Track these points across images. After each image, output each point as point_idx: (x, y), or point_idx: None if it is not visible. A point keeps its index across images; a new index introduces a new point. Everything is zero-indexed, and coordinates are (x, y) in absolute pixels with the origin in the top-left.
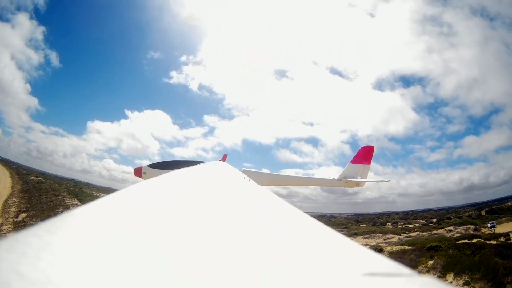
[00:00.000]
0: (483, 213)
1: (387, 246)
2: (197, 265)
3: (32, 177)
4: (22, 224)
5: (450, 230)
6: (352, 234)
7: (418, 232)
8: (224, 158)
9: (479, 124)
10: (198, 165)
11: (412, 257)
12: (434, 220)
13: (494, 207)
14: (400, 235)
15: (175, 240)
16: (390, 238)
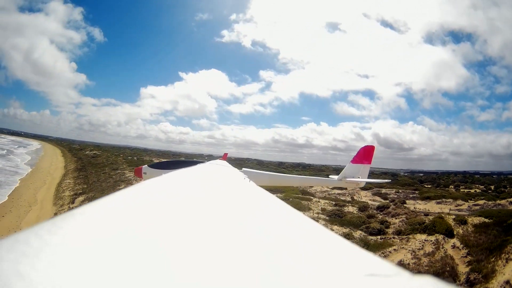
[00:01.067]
0: None
1: (467, 217)
2: (197, 265)
3: (87, 152)
4: None
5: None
6: (425, 198)
7: (484, 201)
8: (224, 157)
9: None
10: (198, 165)
11: (495, 232)
12: (492, 187)
13: None
14: (467, 201)
15: (175, 241)
16: (460, 205)
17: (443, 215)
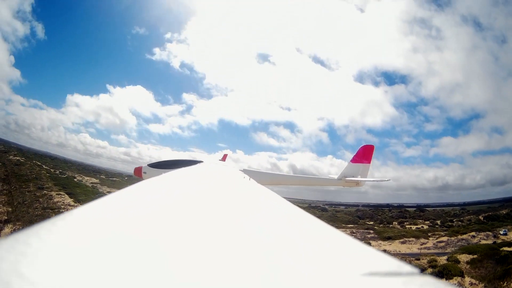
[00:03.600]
0: (481, 218)
1: (453, 255)
2: (197, 265)
3: (11, 156)
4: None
5: (474, 236)
6: (386, 238)
7: (447, 237)
8: (224, 158)
9: (457, 126)
10: (198, 165)
11: (490, 265)
12: (439, 222)
13: (490, 213)
14: (428, 239)
15: (176, 240)
16: (425, 243)
17: (424, 256)
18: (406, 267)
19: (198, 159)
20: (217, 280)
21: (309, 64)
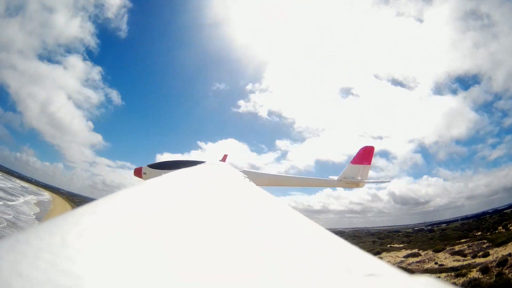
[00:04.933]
0: None
1: None
2: (197, 265)
3: None
4: None
5: None
6: (501, 244)
7: None
8: (224, 158)
9: None
10: (199, 166)
11: None
12: None
13: None
14: None
15: (176, 241)
16: None
17: None
18: (403, 274)
19: (198, 160)
20: (217, 280)
21: (389, 87)
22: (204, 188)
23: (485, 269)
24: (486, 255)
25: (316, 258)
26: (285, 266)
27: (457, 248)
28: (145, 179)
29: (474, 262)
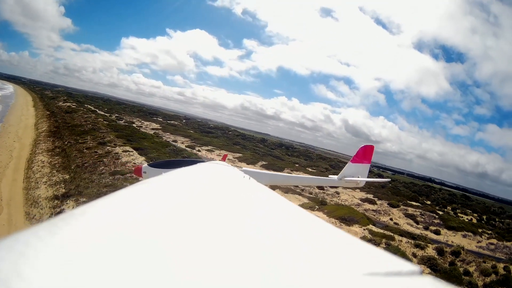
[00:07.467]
0: None
1: None
2: (197, 264)
3: (60, 103)
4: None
5: None
6: (450, 228)
7: (496, 240)
8: (224, 158)
9: (505, 117)
10: (198, 164)
11: None
12: (484, 218)
13: None
14: (481, 237)
15: (176, 240)
16: (480, 242)
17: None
18: (407, 266)
19: (198, 159)
20: (218, 280)
21: (371, 25)
22: (205, 187)
23: (440, 251)
24: (437, 232)
25: (318, 254)
26: (287, 263)
27: (410, 210)
28: (145, 178)
29: (427, 235)
